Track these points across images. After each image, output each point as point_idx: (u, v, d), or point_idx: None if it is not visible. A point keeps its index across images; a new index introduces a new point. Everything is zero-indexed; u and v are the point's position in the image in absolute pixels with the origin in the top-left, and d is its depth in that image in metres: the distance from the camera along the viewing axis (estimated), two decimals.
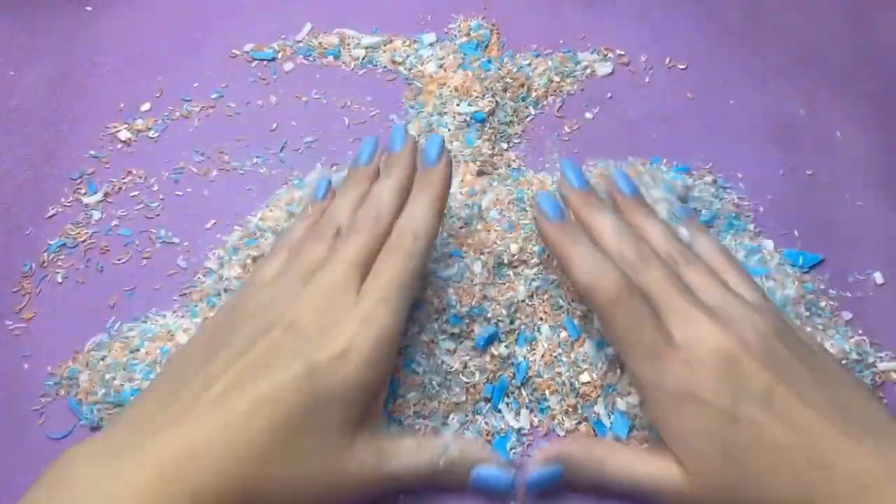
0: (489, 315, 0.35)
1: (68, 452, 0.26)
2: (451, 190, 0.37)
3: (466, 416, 0.34)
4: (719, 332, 0.29)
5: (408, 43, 0.46)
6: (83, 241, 0.39)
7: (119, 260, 0.39)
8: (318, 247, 0.33)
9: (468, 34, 0.46)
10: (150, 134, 0.42)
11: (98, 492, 0.25)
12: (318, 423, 0.28)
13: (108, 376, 0.35)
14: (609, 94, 0.45)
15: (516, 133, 0.43)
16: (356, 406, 0.29)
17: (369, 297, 0.30)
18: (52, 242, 0.39)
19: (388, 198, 0.34)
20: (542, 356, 0.35)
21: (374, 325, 0.30)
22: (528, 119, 0.44)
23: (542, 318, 0.36)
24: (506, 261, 0.37)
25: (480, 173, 0.41)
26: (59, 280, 0.38)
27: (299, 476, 0.28)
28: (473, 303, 0.35)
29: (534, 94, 0.45)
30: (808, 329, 0.36)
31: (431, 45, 0.46)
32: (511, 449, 0.34)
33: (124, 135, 0.42)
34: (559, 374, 0.35)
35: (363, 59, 0.45)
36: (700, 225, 0.38)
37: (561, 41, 0.47)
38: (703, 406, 0.28)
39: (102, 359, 0.35)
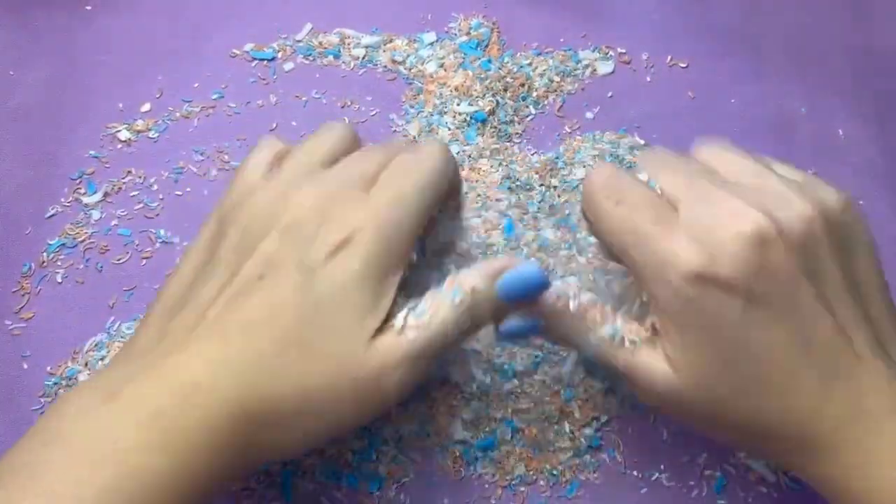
0: None
1: (61, 400, 0.24)
2: None
3: None
4: (748, 213, 0.24)
5: (408, 42, 0.46)
6: (83, 241, 0.39)
7: (119, 260, 0.39)
8: (328, 140, 0.30)
9: (468, 33, 0.46)
10: (150, 134, 0.42)
11: (95, 443, 0.22)
12: (325, 329, 0.25)
13: None
14: (610, 94, 0.45)
15: (517, 133, 0.43)
16: (364, 300, 0.26)
17: (380, 191, 0.27)
18: (51, 242, 0.39)
19: (398, 146, 0.31)
20: None
21: (382, 213, 0.26)
22: (529, 119, 0.44)
23: None
24: None
25: None
26: (59, 280, 0.38)
27: (314, 386, 0.25)
28: None
29: (534, 94, 0.45)
30: None
31: (431, 44, 0.46)
32: None
33: (124, 135, 0.42)
34: None
35: (363, 58, 0.45)
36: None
37: (562, 40, 0.47)
38: (715, 297, 0.24)
39: (102, 359, 0.35)
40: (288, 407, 0.25)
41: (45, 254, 0.39)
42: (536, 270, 0.27)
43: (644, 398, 0.28)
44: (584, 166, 0.41)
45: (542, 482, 0.34)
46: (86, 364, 0.35)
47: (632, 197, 0.26)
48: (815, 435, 0.24)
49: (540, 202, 0.40)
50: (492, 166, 0.41)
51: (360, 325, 0.26)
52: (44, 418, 0.24)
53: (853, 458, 0.24)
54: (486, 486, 0.34)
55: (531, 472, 0.34)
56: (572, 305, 0.27)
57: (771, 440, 0.25)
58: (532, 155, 0.42)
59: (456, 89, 0.43)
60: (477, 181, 0.41)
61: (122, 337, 0.36)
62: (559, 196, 0.40)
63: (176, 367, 0.24)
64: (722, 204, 0.25)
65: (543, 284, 0.27)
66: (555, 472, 0.34)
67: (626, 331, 0.27)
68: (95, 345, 0.36)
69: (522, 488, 0.34)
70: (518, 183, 0.41)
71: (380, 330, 0.26)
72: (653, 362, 0.26)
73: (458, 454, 0.34)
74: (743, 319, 0.24)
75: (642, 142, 0.43)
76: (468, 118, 0.42)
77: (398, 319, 0.26)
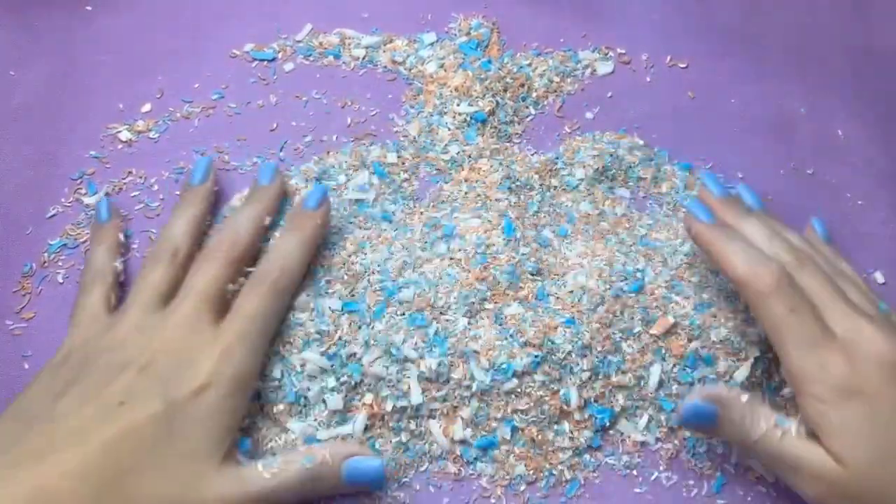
0: None
1: None
2: None
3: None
4: (884, 338, 0.29)
5: (408, 43, 0.46)
6: (84, 242, 0.39)
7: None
8: (158, 271, 0.34)
9: (468, 33, 0.46)
10: (151, 134, 0.42)
11: None
12: (178, 456, 0.29)
13: None
14: (610, 94, 0.45)
15: (517, 133, 0.43)
16: (212, 438, 0.29)
17: (229, 333, 0.31)
18: (52, 242, 0.39)
19: (246, 225, 0.35)
20: None
21: (234, 362, 0.30)
22: (529, 119, 0.44)
23: None
24: None
25: None
26: (60, 280, 0.38)
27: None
28: None
29: (534, 94, 0.45)
30: None
31: (431, 44, 0.46)
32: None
33: (125, 135, 0.42)
34: None
35: (363, 59, 0.45)
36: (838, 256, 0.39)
37: (562, 40, 0.47)
38: (867, 403, 0.29)
39: None
40: None
41: (45, 254, 0.39)
42: (378, 467, 0.31)
43: (804, 488, 0.31)
44: (584, 166, 0.41)
45: (541, 482, 0.34)
46: None
47: (804, 309, 0.30)
48: None
49: (540, 202, 0.40)
50: (491, 166, 0.41)
51: (210, 454, 0.29)
52: None
53: None
54: (486, 486, 0.34)
55: (531, 472, 0.34)
56: (744, 397, 0.31)
57: None
58: (532, 155, 0.42)
59: (456, 89, 0.43)
60: (477, 181, 0.41)
61: None
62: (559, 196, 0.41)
63: (35, 476, 0.26)
64: (865, 331, 0.30)
65: (379, 481, 0.32)
66: (554, 472, 0.34)
67: (794, 423, 0.31)
68: None
69: (522, 487, 0.34)
70: (518, 183, 0.41)
71: (227, 463, 0.30)
72: (819, 457, 0.30)
73: (458, 454, 0.34)
74: (878, 429, 0.29)
75: (641, 142, 0.43)
76: (468, 118, 0.42)
77: (251, 464, 0.31)
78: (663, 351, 0.35)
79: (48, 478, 0.26)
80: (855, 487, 0.29)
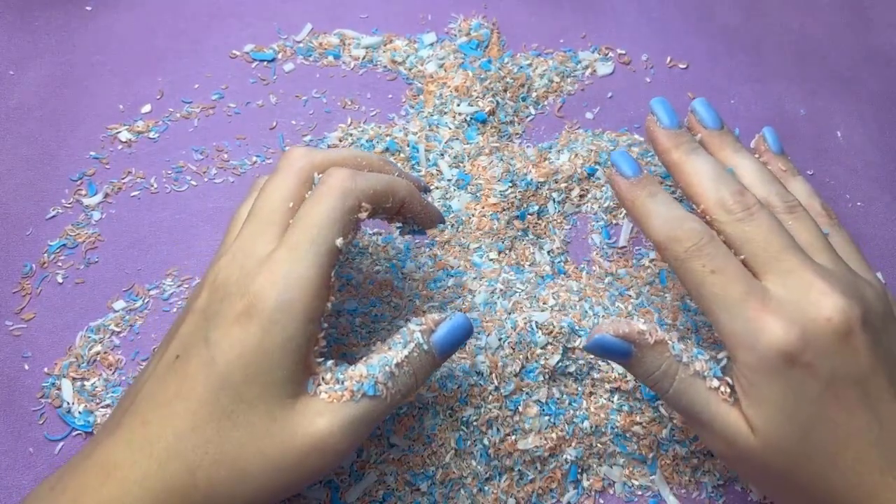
0: None
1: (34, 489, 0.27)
2: None
3: None
4: (837, 298, 0.26)
5: (408, 43, 0.46)
6: (83, 242, 0.39)
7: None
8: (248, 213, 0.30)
9: (468, 34, 0.46)
10: (151, 135, 0.42)
11: None
12: (239, 400, 0.25)
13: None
14: (609, 94, 0.45)
15: (517, 133, 0.43)
16: (273, 368, 0.26)
17: (282, 245, 0.27)
18: (52, 243, 0.39)
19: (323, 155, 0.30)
20: None
21: (279, 273, 0.26)
22: (529, 119, 0.44)
23: None
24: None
25: None
26: (60, 280, 0.38)
27: (239, 456, 0.25)
28: None
29: (534, 94, 0.45)
30: None
31: (431, 45, 0.46)
32: None
33: (125, 136, 0.42)
34: None
35: (363, 59, 0.45)
36: (792, 166, 0.35)
37: (561, 40, 0.47)
38: (799, 375, 0.26)
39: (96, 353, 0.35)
40: (212, 479, 0.25)
41: (45, 254, 0.39)
42: (463, 320, 0.29)
43: (720, 452, 0.29)
44: (576, 154, 0.41)
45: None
46: (76, 357, 0.35)
47: (727, 268, 0.27)
48: None
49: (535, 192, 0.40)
50: (491, 162, 0.41)
51: (273, 393, 0.26)
52: None
53: None
54: None
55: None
56: (663, 341, 0.28)
57: None
58: (528, 149, 0.42)
59: (456, 89, 0.43)
60: (478, 176, 0.41)
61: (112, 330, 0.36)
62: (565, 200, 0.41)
63: (101, 451, 0.26)
64: (810, 286, 0.26)
65: (470, 329, 0.29)
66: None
67: (715, 382, 0.28)
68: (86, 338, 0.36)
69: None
70: (518, 178, 0.41)
71: (312, 394, 0.26)
72: (734, 421, 0.27)
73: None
74: (823, 397, 0.26)
75: (640, 139, 0.43)
76: (468, 118, 0.42)
77: (333, 384, 0.27)
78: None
79: (112, 451, 0.25)
80: (763, 459, 0.27)
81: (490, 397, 0.33)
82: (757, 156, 0.34)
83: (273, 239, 0.27)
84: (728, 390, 0.28)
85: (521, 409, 0.33)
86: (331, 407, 0.26)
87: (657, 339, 0.28)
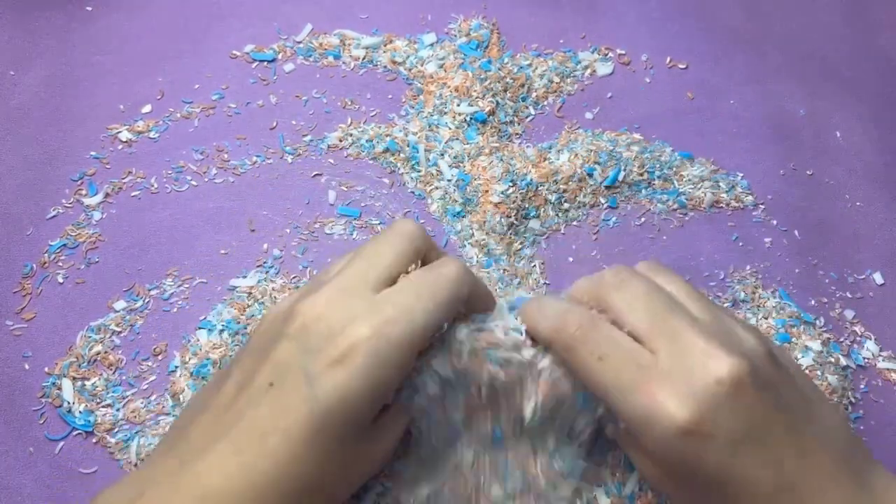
0: None
1: (100, 495, 0.26)
2: None
3: None
4: (722, 356, 0.25)
5: (408, 43, 0.46)
6: (84, 242, 0.39)
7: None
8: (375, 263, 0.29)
9: (468, 34, 0.46)
10: (151, 135, 0.42)
11: None
12: (331, 436, 0.26)
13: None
14: (609, 94, 0.45)
15: (517, 133, 0.43)
16: (363, 411, 0.26)
17: (388, 305, 0.27)
18: (53, 243, 0.39)
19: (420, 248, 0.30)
20: None
21: (384, 330, 0.26)
22: (529, 119, 0.44)
23: None
24: None
25: None
26: (60, 280, 0.38)
27: (328, 484, 0.27)
28: None
29: (534, 95, 0.45)
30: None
31: (431, 45, 0.46)
32: None
33: (125, 136, 0.42)
34: None
35: (363, 59, 0.45)
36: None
37: (561, 41, 0.47)
38: (701, 444, 0.25)
39: (97, 353, 0.35)
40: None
41: (46, 254, 0.39)
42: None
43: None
44: (576, 154, 0.41)
45: None
46: (77, 357, 0.35)
47: (614, 352, 0.27)
48: None
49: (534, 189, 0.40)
50: (491, 162, 0.41)
51: (363, 431, 0.27)
52: None
53: None
54: None
55: None
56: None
57: None
58: (528, 150, 0.43)
59: (456, 90, 0.43)
60: (478, 176, 0.41)
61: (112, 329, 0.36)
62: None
63: (194, 476, 0.25)
64: (696, 349, 0.26)
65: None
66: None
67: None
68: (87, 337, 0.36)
69: None
70: (518, 177, 0.41)
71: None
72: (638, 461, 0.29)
73: None
74: (724, 460, 0.25)
75: (640, 137, 0.43)
76: (468, 118, 0.42)
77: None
78: None
79: (206, 478, 0.25)
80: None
81: None
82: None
83: (377, 291, 0.28)
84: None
85: None
86: (391, 429, 0.29)
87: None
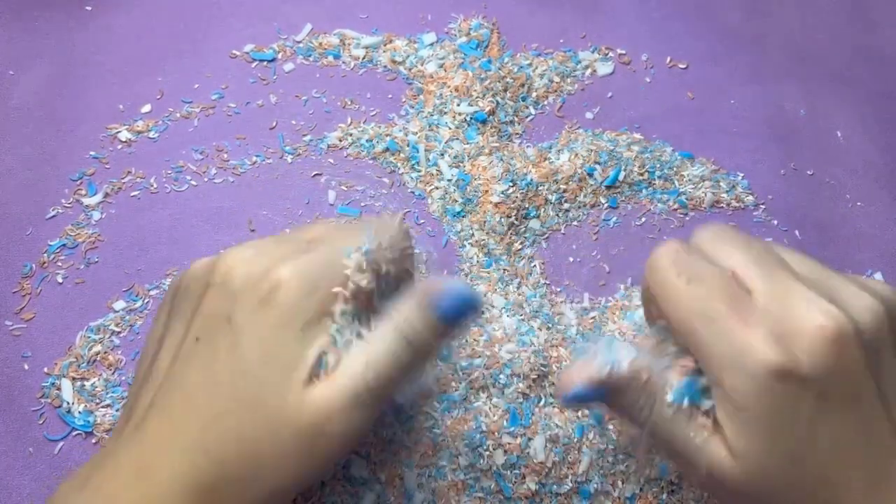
0: None
1: (58, 487, 0.26)
2: None
3: None
4: (826, 308, 0.23)
5: (408, 43, 0.46)
6: (83, 242, 0.39)
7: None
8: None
9: (468, 34, 0.46)
10: (151, 135, 0.42)
11: None
12: (257, 383, 0.24)
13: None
14: (609, 94, 0.45)
15: (517, 133, 0.43)
16: (288, 351, 0.25)
17: (311, 247, 0.26)
18: (52, 243, 0.39)
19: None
20: None
21: (305, 266, 0.25)
22: (529, 119, 0.44)
23: None
24: None
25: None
26: (60, 280, 0.38)
27: (254, 442, 0.24)
28: None
29: (534, 94, 0.45)
30: None
31: (431, 45, 0.46)
32: None
33: (125, 136, 0.42)
34: None
35: (363, 59, 0.45)
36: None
37: (561, 40, 0.47)
38: (793, 391, 0.23)
39: (96, 353, 0.35)
40: (235, 469, 0.24)
41: (45, 254, 0.39)
42: (465, 287, 0.26)
43: (699, 481, 0.27)
44: (576, 154, 0.41)
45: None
46: (76, 357, 0.35)
47: (707, 277, 0.25)
48: None
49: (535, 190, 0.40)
50: (491, 162, 0.41)
51: (288, 376, 0.25)
52: None
53: None
54: None
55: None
56: (625, 366, 0.25)
57: None
58: (528, 149, 0.42)
59: (456, 89, 0.43)
60: (478, 176, 0.41)
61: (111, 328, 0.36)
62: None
63: (128, 451, 0.25)
64: (801, 298, 0.24)
65: (475, 301, 0.26)
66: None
67: (691, 411, 0.26)
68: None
69: None
70: (518, 177, 0.41)
71: (315, 378, 0.25)
72: (715, 449, 0.25)
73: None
74: (813, 415, 0.23)
75: (640, 137, 0.43)
76: (468, 118, 0.42)
77: (330, 365, 0.25)
78: None
79: (140, 451, 0.24)
80: (746, 486, 0.25)
81: None
82: None
83: (301, 244, 0.27)
84: (708, 420, 0.25)
85: None
86: (335, 384, 0.25)
87: (631, 374, 0.26)
